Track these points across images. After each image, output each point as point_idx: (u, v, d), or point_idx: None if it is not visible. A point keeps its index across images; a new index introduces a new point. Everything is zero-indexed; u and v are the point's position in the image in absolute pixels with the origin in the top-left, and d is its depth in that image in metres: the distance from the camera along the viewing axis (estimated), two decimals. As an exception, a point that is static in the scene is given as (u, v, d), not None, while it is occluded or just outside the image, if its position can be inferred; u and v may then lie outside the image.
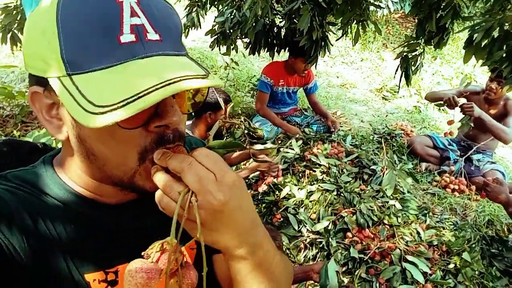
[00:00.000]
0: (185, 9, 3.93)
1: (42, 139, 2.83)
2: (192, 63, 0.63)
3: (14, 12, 3.40)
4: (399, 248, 2.73)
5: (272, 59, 4.09)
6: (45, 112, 0.66)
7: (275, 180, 3.25)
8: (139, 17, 0.58)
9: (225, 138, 4.10)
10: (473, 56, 2.34)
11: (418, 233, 2.92)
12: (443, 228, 3.07)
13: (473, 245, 2.81)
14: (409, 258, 2.66)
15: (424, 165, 4.12)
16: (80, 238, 0.70)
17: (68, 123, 0.66)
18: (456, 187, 3.79)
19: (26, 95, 3.95)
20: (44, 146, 0.93)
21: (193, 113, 3.15)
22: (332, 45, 3.44)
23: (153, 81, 0.54)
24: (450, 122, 4.03)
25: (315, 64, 3.57)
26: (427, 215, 3.13)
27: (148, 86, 0.54)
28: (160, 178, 0.61)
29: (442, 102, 3.75)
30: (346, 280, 2.59)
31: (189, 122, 3.14)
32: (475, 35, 2.19)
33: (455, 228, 3.16)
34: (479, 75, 7.29)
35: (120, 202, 0.76)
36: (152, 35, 0.59)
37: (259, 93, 4.21)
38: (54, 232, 0.68)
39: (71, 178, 0.73)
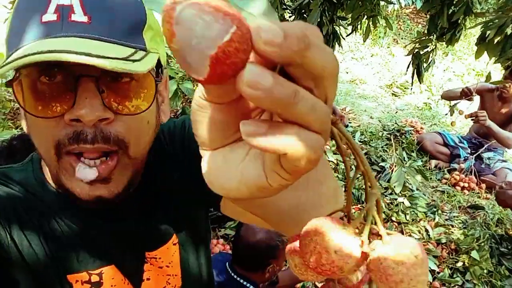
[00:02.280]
0: None
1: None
2: (116, 48, 0.56)
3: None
4: (407, 246, 2.72)
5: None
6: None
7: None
8: None
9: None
10: (485, 52, 2.31)
11: (426, 230, 2.91)
12: (452, 226, 3.05)
13: (482, 244, 2.79)
14: (417, 256, 2.64)
15: (433, 162, 4.08)
16: (64, 238, 0.70)
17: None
18: (466, 185, 3.75)
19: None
20: None
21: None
22: (344, 39, 3.41)
23: (35, 50, 0.51)
24: (453, 124, 4.06)
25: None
26: (436, 213, 3.11)
27: (26, 53, 0.52)
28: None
29: (455, 102, 3.72)
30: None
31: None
32: (488, 32, 2.15)
33: (464, 226, 3.14)
34: (492, 72, 7.20)
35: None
36: (78, 17, 0.56)
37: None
38: (39, 232, 0.67)
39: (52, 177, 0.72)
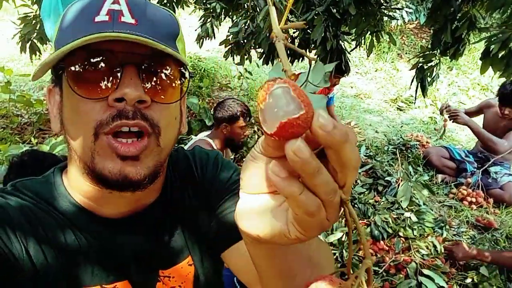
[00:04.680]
0: (200, 19, 3.97)
1: (58, 146, 2.88)
2: (160, 44, 0.65)
3: (34, 21, 3.48)
4: (414, 261, 2.68)
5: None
6: (56, 109, 0.72)
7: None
8: (119, 4, 0.66)
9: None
10: (490, 67, 2.31)
11: (434, 246, 2.87)
12: (460, 242, 3.01)
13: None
14: (425, 271, 2.60)
15: (440, 176, 4.05)
16: (80, 251, 0.71)
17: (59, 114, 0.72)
18: (474, 199, 3.71)
19: (43, 103, 4.03)
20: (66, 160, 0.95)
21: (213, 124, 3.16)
22: (350, 53, 3.43)
23: (92, 37, 0.61)
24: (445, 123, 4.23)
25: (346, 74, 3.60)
26: (444, 228, 3.07)
27: (84, 35, 0.61)
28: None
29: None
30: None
31: (208, 132, 3.15)
32: (492, 46, 2.16)
33: (472, 242, 3.09)
34: (496, 86, 7.18)
35: (119, 217, 0.76)
36: (127, 19, 0.65)
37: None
38: (55, 243, 0.69)
39: (73, 188, 0.74)
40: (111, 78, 0.64)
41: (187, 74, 0.72)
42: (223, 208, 0.84)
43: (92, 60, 0.64)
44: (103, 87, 0.64)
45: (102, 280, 0.72)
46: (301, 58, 3.95)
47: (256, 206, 0.40)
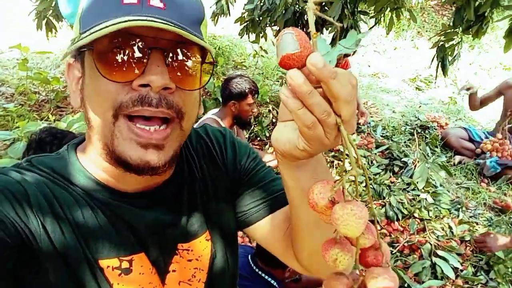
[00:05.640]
0: (215, -4, 3.92)
1: (76, 123, 2.91)
2: (184, 32, 0.64)
3: (49, -1, 3.48)
4: (429, 243, 2.67)
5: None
6: (74, 84, 0.72)
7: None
8: None
9: (253, 126, 4.10)
10: (515, 45, 2.23)
11: (450, 227, 2.85)
12: (477, 224, 2.98)
13: (508, 242, 2.71)
14: (440, 253, 2.60)
15: (457, 158, 3.98)
16: (98, 225, 0.72)
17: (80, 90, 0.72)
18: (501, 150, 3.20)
19: (60, 81, 4.07)
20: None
21: (221, 102, 3.15)
22: (363, 33, 3.35)
23: (122, 22, 0.60)
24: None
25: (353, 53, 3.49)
26: (460, 209, 3.05)
27: (112, 24, 0.60)
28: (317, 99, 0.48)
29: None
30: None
31: (216, 110, 3.14)
32: (517, 24, 2.07)
33: (489, 223, 3.06)
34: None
35: (138, 191, 0.77)
36: (156, 2, 0.65)
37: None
38: (71, 217, 0.70)
39: (90, 163, 0.75)
40: (137, 63, 0.64)
41: (211, 61, 0.73)
42: (251, 184, 0.90)
43: (120, 43, 0.64)
44: (129, 71, 0.64)
45: (120, 252, 0.73)
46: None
47: (283, 128, 0.56)
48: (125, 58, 0.64)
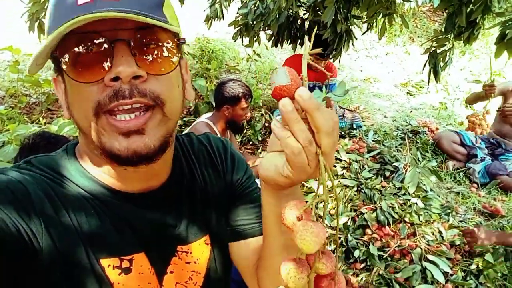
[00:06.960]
0: (209, 0, 3.92)
1: (66, 126, 2.89)
2: (144, 16, 0.63)
3: (42, 0, 3.46)
4: (419, 247, 2.69)
5: (294, 51, 4.04)
6: (64, 96, 0.72)
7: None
8: None
9: (245, 131, 4.10)
10: (505, 51, 2.26)
11: (440, 232, 2.87)
12: (482, 225, 3.00)
13: (497, 246, 2.73)
14: (430, 257, 2.61)
15: (450, 164, 3.99)
16: (99, 224, 0.72)
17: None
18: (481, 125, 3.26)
19: (52, 83, 4.03)
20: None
21: (213, 106, 3.14)
22: (356, 39, 3.37)
23: (76, 20, 0.60)
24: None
25: (338, 58, 3.50)
26: (450, 214, 3.07)
27: (67, 20, 0.60)
28: (302, 129, 0.54)
29: (483, 103, 3.62)
30: (364, 276, 2.56)
31: (209, 114, 3.13)
32: (507, 31, 2.11)
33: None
34: (509, 72, 7.04)
35: (139, 192, 0.78)
36: None
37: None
38: (74, 218, 0.70)
39: (91, 165, 0.76)
40: (103, 59, 0.64)
41: (179, 40, 0.72)
42: (245, 201, 0.93)
43: (81, 44, 0.64)
44: (98, 69, 0.64)
45: (121, 252, 0.74)
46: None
47: (271, 157, 0.61)
48: (90, 57, 0.64)
